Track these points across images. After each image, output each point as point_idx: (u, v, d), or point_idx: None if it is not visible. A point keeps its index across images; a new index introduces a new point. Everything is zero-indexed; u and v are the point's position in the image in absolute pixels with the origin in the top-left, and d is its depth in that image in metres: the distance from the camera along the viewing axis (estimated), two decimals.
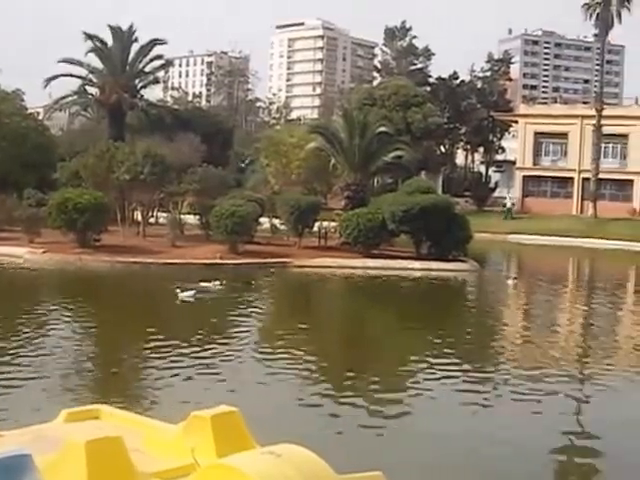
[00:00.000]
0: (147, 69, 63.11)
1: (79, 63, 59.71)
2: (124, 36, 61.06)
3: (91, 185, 41.43)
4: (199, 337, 20.27)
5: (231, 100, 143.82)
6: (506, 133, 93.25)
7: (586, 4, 69.49)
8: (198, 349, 18.61)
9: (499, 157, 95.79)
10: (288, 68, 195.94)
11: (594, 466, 12.34)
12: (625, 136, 72.41)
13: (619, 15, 69.10)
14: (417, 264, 37.29)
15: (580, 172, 72.91)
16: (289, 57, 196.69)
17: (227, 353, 18.61)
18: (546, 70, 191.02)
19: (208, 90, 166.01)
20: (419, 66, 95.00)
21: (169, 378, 15.91)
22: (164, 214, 46.26)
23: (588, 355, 20.54)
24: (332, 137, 46.34)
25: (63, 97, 62.39)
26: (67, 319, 23.25)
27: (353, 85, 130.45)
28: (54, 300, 27.21)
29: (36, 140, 53.41)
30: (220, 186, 44.27)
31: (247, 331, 22.16)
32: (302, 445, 6.12)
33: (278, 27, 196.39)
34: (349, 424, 13.51)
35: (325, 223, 42.17)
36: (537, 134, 76.34)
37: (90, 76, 61.32)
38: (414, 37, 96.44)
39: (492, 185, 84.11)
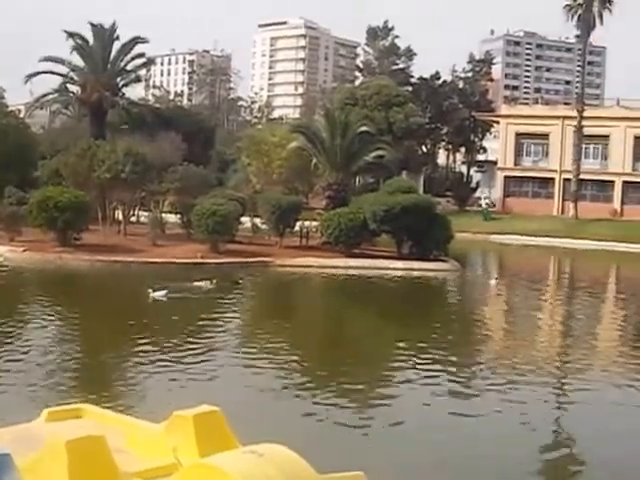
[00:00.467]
0: (129, 67, 62.76)
1: (61, 61, 59.37)
2: (105, 34, 60.68)
3: (72, 184, 41.27)
4: (164, 336, 20.37)
5: (213, 99, 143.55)
6: (488, 133, 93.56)
7: (568, 5, 69.72)
8: (160, 347, 18.69)
9: (480, 157, 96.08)
10: (270, 67, 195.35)
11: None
12: (606, 137, 72.75)
13: (600, 16, 69.40)
14: (398, 264, 37.35)
15: (561, 173, 73.17)
16: (271, 56, 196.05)
17: (194, 352, 18.50)
18: (528, 71, 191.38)
19: (190, 89, 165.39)
20: (401, 66, 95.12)
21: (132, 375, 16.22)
22: (145, 213, 46.12)
23: (567, 354, 20.70)
24: (314, 137, 46.35)
25: (44, 95, 62.06)
26: (35, 318, 22.79)
27: (335, 85, 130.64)
28: (27, 299, 27.02)
29: (17, 138, 52.92)
30: (201, 185, 44.15)
31: (222, 330, 22.06)
32: (284, 444, 6.14)
33: (260, 26, 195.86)
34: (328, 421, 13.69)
35: (306, 223, 42.11)
36: (518, 134, 76.55)
37: (71, 74, 60.99)
38: (396, 37, 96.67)
39: (473, 185, 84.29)
